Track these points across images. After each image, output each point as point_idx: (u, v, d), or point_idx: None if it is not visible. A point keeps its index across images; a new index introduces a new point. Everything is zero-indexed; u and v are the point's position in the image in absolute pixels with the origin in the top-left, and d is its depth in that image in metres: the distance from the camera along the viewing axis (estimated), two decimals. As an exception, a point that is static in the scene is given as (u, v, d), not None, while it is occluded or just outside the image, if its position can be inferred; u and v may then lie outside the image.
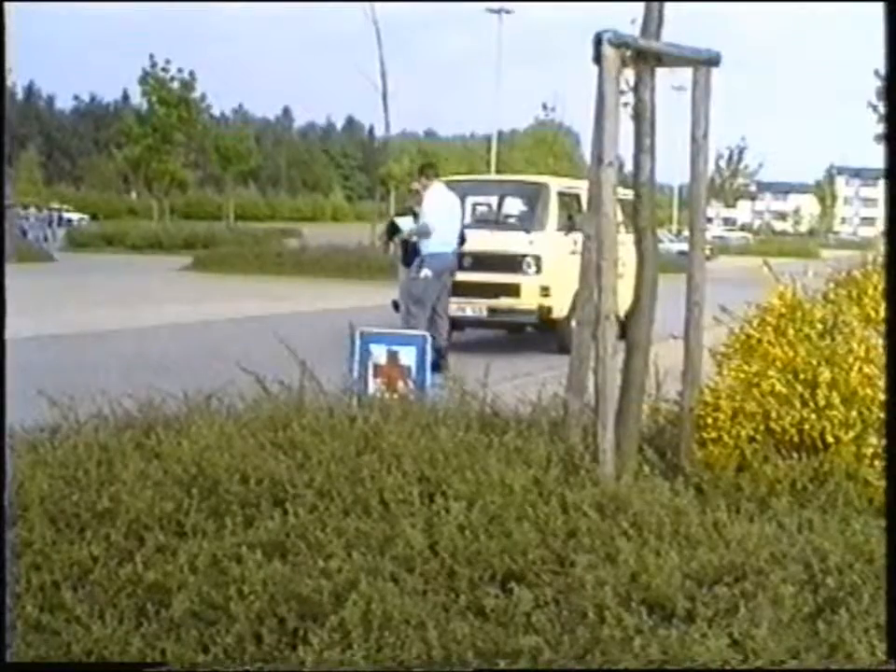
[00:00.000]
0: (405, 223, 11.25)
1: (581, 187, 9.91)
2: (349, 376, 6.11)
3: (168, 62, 45.09)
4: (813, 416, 4.59)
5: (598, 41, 4.45)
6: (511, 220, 13.67)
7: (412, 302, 10.62)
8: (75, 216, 58.42)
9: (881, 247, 5.10)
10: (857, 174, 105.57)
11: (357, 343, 6.46)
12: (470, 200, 13.01)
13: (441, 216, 10.87)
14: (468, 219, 12.44)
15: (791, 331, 4.80)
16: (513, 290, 12.40)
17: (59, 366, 9.54)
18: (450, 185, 11.83)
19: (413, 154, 45.66)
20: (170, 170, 46.68)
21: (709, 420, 4.72)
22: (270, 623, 3.25)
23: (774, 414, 4.62)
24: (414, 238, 10.99)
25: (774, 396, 4.63)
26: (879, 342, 4.58)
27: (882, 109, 33.99)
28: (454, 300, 11.38)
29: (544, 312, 12.33)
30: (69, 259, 32.38)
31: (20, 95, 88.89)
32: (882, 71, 3.59)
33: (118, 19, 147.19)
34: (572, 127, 56.41)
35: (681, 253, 7.13)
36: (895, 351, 3.72)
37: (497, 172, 41.86)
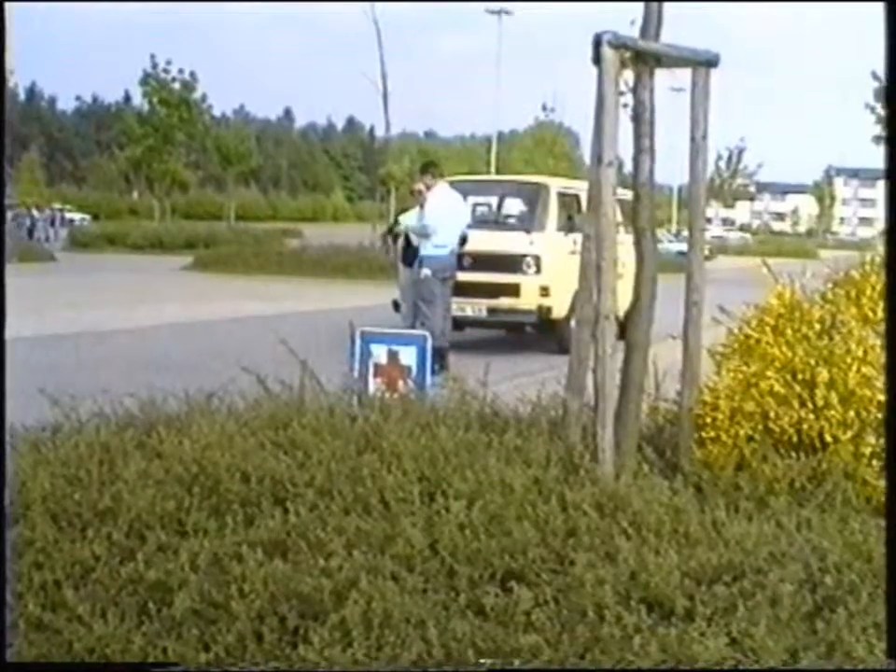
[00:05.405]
0: (408, 219, 11.25)
1: (581, 187, 9.92)
2: (350, 376, 6.13)
3: (169, 62, 45.16)
4: (811, 416, 4.60)
5: (598, 42, 4.46)
6: (511, 221, 13.67)
7: (422, 303, 10.63)
8: (76, 216, 58.45)
9: (880, 248, 5.12)
10: (855, 174, 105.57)
11: (358, 342, 6.47)
12: (470, 200, 13.00)
13: (444, 217, 10.86)
14: (468, 219, 12.45)
15: (789, 331, 4.81)
16: (513, 290, 12.41)
17: (60, 365, 9.55)
18: (450, 185, 11.83)
19: (413, 154, 45.67)
20: (171, 170, 46.70)
21: (708, 420, 4.73)
22: (271, 622, 3.27)
23: (772, 414, 4.63)
24: (413, 237, 10.98)
25: (772, 396, 4.64)
26: (877, 342, 4.59)
27: (880, 111, 34.00)
28: (454, 299, 11.39)
29: (544, 312, 12.34)
30: (71, 258, 32.35)
31: (22, 96, 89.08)
32: (879, 72, 3.60)
33: (119, 20, 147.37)
34: (572, 127, 56.42)
35: (680, 253, 7.14)
36: (894, 351, 3.74)
37: (497, 172, 41.83)
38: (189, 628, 3.26)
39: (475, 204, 13.27)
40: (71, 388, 5.07)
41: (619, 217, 4.71)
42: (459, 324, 12.21)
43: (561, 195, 13.15)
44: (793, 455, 4.54)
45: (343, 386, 5.60)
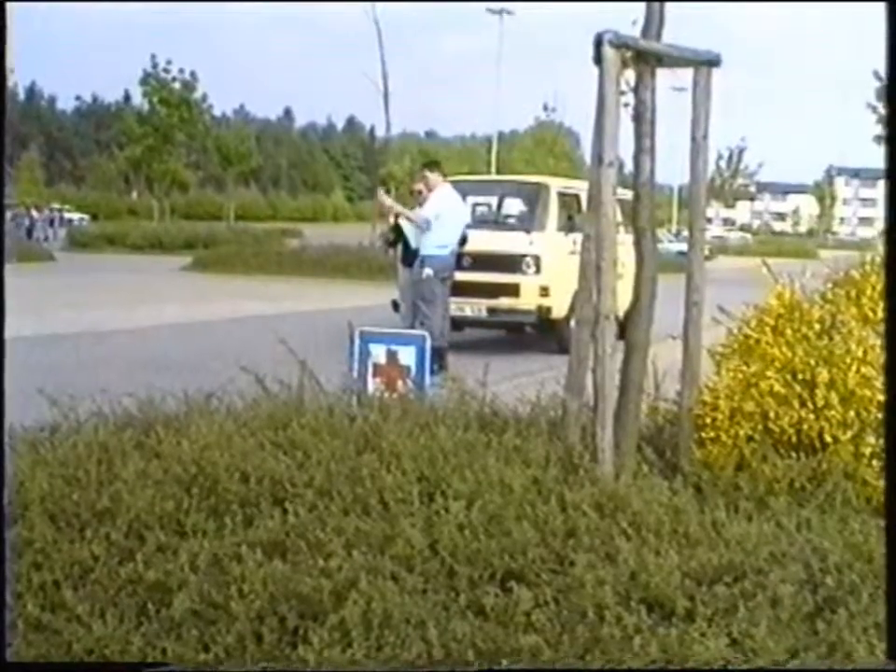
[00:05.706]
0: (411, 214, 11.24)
1: (581, 187, 9.92)
2: (349, 375, 6.12)
3: (169, 62, 45.20)
4: (811, 416, 4.60)
5: (599, 42, 4.46)
6: (511, 220, 13.67)
7: (422, 303, 10.63)
8: (75, 215, 58.46)
9: (880, 248, 5.11)
10: (856, 174, 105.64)
11: (357, 342, 6.47)
12: (470, 200, 13.01)
13: (443, 217, 10.85)
14: (468, 219, 12.44)
15: (789, 332, 4.81)
16: (513, 290, 12.41)
17: (60, 365, 9.55)
18: (451, 185, 11.82)
19: (413, 154, 45.77)
20: (171, 170, 46.74)
21: (708, 420, 4.73)
22: (270, 622, 3.26)
23: (772, 414, 4.63)
24: (412, 238, 10.96)
25: (772, 396, 4.64)
26: (877, 342, 4.59)
27: (881, 110, 33.99)
28: (453, 299, 11.39)
29: (543, 312, 12.34)
30: (70, 258, 32.37)
31: (21, 96, 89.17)
32: (881, 72, 3.60)
33: (119, 20, 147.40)
34: (572, 127, 56.49)
35: (681, 253, 7.14)
36: (894, 351, 3.73)
37: (497, 172, 41.87)
38: (189, 629, 3.25)
39: (475, 204, 13.27)
40: (70, 388, 5.07)
41: (619, 217, 4.71)
42: (459, 324, 12.21)
43: (561, 195, 13.15)
44: (793, 455, 4.54)
45: (342, 386, 5.59)
